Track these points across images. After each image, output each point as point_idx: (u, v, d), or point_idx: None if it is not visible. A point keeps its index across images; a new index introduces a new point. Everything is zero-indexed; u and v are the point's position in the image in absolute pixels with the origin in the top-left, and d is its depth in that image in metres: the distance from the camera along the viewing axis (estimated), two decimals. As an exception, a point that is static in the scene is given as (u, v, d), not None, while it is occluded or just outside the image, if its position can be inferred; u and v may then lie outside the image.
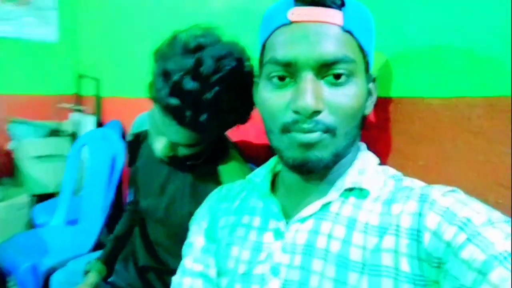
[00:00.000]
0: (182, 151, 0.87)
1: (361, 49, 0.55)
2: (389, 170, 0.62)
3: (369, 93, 0.60)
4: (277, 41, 0.55)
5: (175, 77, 0.74)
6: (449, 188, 0.53)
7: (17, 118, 2.58)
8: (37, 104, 2.81)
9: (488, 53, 0.66)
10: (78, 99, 2.91)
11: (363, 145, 0.65)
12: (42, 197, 2.53)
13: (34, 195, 2.49)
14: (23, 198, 2.38)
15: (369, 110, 0.60)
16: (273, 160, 0.70)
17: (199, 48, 0.76)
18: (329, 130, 0.53)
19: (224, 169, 0.94)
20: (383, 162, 0.83)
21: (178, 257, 0.75)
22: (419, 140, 0.76)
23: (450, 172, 0.72)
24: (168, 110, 0.76)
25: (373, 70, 0.62)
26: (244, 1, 1.24)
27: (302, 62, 0.52)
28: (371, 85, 0.60)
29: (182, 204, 0.96)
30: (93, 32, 2.61)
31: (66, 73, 2.89)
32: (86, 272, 1.14)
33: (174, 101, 0.74)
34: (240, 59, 0.79)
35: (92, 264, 1.14)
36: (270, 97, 0.55)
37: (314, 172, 0.57)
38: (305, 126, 0.52)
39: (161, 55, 0.79)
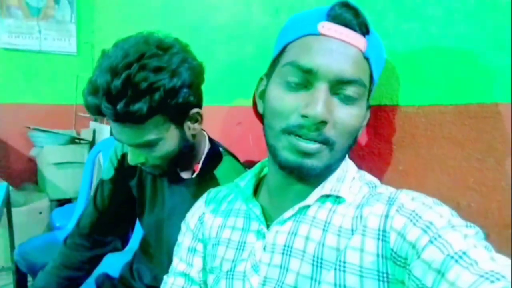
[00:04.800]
0: (151, 156, 0.86)
1: (371, 77, 0.59)
2: (366, 176, 0.65)
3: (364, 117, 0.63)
4: (302, 47, 0.57)
5: (92, 78, 0.78)
6: (417, 193, 0.56)
7: (38, 127, 2.70)
8: (58, 113, 2.94)
9: (457, 64, 0.69)
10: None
11: None
12: (62, 202, 2.65)
13: (54, 200, 2.61)
14: (43, 203, 2.50)
15: (360, 132, 0.63)
16: (259, 165, 0.73)
17: (116, 48, 0.79)
18: (328, 143, 0.56)
19: (221, 175, 0.96)
20: (365, 167, 0.86)
21: None
22: (398, 146, 0.80)
23: (427, 177, 0.75)
24: (90, 110, 0.79)
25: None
26: (246, 15, 1.30)
27: (322, 73, 0.54)
28: (367, 111, 0.63)
29: (183, 218, 0.96)
30: (109, 44, 2.69)
31: (85, 84, 3.00)
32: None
33: (90, 99, 0.77)
34: (158, 43, 0.81)
35: None
36: (281, 97, 0.57)
37: (306, 177, 0.61)
38: (309, 133, 0.55)
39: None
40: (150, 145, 0.83)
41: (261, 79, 0.67)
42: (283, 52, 0.60)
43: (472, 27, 0.66)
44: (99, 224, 1.14)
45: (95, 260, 1.19)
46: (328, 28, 0.55)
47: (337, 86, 0.55)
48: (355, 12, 0.56)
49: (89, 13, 3.03)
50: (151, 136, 0.82)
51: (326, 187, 0.61)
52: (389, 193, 0.58)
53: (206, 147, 1.00)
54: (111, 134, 2.55)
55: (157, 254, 1.09)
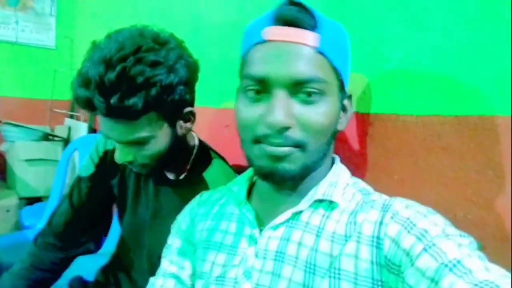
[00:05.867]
0: (140, 155, 0.83)
1: (335, 69, 0.57)
2: (360, 183, 0.65)
3: (343, 109, 0.63)
4: (253, 57, 0.57)
5: (83, 69, 0.74)
6: (411, 201, 0.56)
7: (10, 121, 2.59)
8: (32, 107, 2.84)
9: (457, 75, 0.69)
10: (73, 106, 2.93)
11: (337, 158, 0.68)
12: (32, 200, 2.54)
13: (23, 198, 2.50)
14: (11, 200, 2.39)
15: (343, 125, 0.63)
16: (251, 170, 0.72)
17: (109, 40, 0.77)
18: (299, 145, 0.56)
19: (210, 177, 0.94)
20: (360, 175, 0.86)
21: None
22: (394, 155, 0.79)
23: (423, 187, 0.74)
24: (80, 103, 0.76)
25: (351, 88, 0.64)
26: (239, 16, 1.28)
27: (274, 79, 0.54)
28: (345, 101, 0.63)
29: (169, 220, 0.89)
30: (89, 40, 2.63)
31: (62, 79, 2.92)
32: None
33: (81, 91, 0.74)
34: (154, 37, 0.79)
35: None
36: (244, 109, 0.58)
37: (283, 182, 0.60)
38: (275, 140, 0.55)
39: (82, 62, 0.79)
40: (141, 143, 0.80)
41: (237, 91, 0.67)
42: (242, 65, 0.61)
43: (474, 38, 0.67)
44: (74, 223, 1.09)
45: (66, 262, 1.13)
46: (273, 32, 0.55)
47: (294, 88, 0.54)
48: (300, 8, 0.55)
49: (70, 7, 2.95)
50: (143, 134, 0.79)
51: (318, 191, 0.61)
52: (383, 200, 0.58)
53: (195, 149, 0.97)
54: (89, 131, 2.49)
55: (136, 258, 1.05)
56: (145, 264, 0.99)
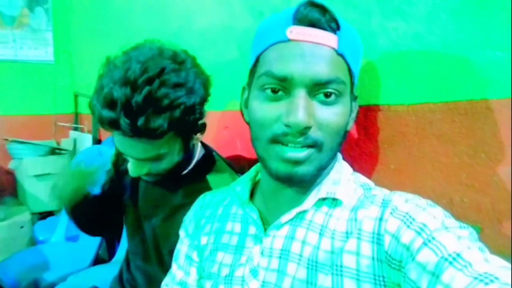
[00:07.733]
0: (155, 168, 0.86)
1: (350, 72, 0.58)
2: (360, 178, 0.65)
3: (351, 110, 0.63)
4: (274, 56, 0.56)
5: (106, 89, 0.75)
6: (411, 195, 0.57)
7: (16, 139, 2.63)
8: (37, 123, 2.86)
9: (445, 61, 0.70)
10: (76, 118, 2.96)
11: (339, 155, 0.69)
12: (44, 215, 2.57)
13: (35, 213, 2.54)
14: (24, 216, 2.43)
15: (350, 126, 0.64)
16: (254, 169, 0.73)
17: (129, 59, 0.78)
18: (317, 145, 0.56)
19: (214, 181, 0.96)
20: (357, 167, 0.86)
21: None
22: (389, 145, 0.80)
23: (419, 174, 0.75)
24: (105, 123, 0.77)
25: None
26: (229, 18, 1.29)
27: (297, 79, 0.54)
28: (353, 103, 0.63)
29: (175, 222, 0.91)
30: (87, 52, 2.66)
31: (64, 93, 2.94)
32: None
33: (106, 112, 0.75)
34: (173, 57, 0.81)
35: None
36: (262, 107, 0.57)
37: (299, 184, 0.60)
38: (295, 139, 0.55)
39: (98, 78, 0.80)
40: (158, 158, 0.84)
41: (244, 88, 0.67)
42: (257, 62, 0.60)
43: (458, 25, 0.67)
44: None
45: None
46: (296, 32, 0.55)
47: (315, 88, 0.55)
48: (322, 10, 0.55)
49: (66, 21, 2.96)
50: (162, 150, 0.82)
51: (322, 190, 0.61)
52: (383, 195, 0.58)
53: (198, 151, 1.00)
54: (93, 142, 2.51)
55: (143, 251, 1.07)
56: (154, 261, 1.02)
